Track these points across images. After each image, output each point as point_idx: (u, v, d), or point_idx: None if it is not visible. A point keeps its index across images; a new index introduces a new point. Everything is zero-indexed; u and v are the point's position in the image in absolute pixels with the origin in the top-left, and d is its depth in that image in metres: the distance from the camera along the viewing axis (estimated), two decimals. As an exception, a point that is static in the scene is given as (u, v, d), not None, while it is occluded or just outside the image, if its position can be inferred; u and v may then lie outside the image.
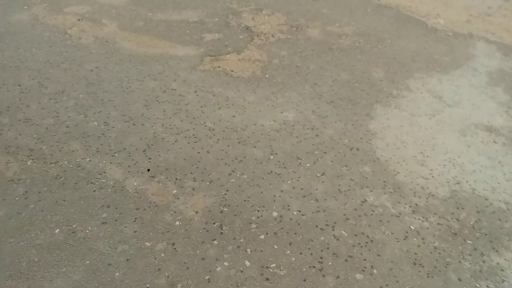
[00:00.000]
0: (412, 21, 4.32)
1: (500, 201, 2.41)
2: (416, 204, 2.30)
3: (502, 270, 2.04)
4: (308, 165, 2.48)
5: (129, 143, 2.55)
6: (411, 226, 2.18)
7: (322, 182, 2.37)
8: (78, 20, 3.86)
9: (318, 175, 2.42)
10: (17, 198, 2.17)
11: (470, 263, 2.05)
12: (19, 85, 2.96)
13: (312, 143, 2.64)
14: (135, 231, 2.04)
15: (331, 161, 2.52)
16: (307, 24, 4.09)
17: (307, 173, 2.42)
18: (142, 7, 4.17)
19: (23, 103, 2.80)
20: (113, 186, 2.27)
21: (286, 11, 4.32)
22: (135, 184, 2.29)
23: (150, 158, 2.45)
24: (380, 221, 2.18)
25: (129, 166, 2.40)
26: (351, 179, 2.41)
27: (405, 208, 2.27)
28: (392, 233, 2.13)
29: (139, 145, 2.54)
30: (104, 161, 2.41)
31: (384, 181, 2.42)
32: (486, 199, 2.41)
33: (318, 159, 2.52)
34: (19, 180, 2.26)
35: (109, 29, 3.76)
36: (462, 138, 2.84)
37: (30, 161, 2.39)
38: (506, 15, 4.62)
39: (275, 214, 2.17)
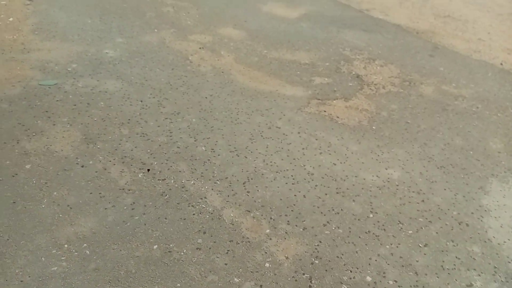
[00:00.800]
0: (540, 92, 3.98)
1: None
2: (532, 302, 2.04)
3: None
4: (410, 232, 2.34)
5: (231, 173, 2.62)
6: (524, 327, 1.93)
7: (424, 254, 2.21)
8: (200, 48, 4.13)
9: (420, 245, 2.26)
10: (125, 207, 2.32)
11: None
12: (141, 101, 3.21)
13: (416, 208, 2.49)
14: (225, 263, 2.06)
15: (436, 233, 2.34)
16: (421, 80, 3.96)
17: (408, 241, 2.28)
18: (258, 44, 4.36)
19: (142, 118, 3.02)
20: (211, 213, 2.33)
21: (400, 64, 4.23)
22: (232, 215, 2.33)
23: (248, 192, 2.50)
24: (488, 312, 1.96)
25: (228, 196, 2.46)
26: (456, 257, 2.21)
27: (519, 304, 2.02)
28: (500, 330, 1.90)
29: (240, 177, 2.60)
30: (206, 187, 2.50)
31: (495, 267, 2.19)
32: None
33: (421, 228, 2.36)
34: (129, 190, 2.43)
35: (226, 60, 3.97)
36: None
37: (141, 174, 2.55)
38: None
39: (369, 279, 2.06)
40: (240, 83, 3.61)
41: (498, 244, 2.32)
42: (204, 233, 2.21)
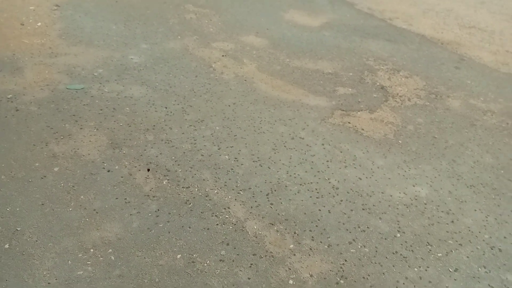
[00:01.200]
0: None
1: None
2: None
3: None
4: (439, 254, 2.27)
5: (254, 184, 2.60)
6: None
7: (455, 280, 2.14)
8: (222, 56, 4.13)
9: (451, 270, 2.19)
10: (149, 214, 2.31)
11: None
12: (166, 108, 3.22)
13: (446, 229, 2.42)
14: (249, 278, 2.03)
15: (467, 257, 2.27)
16: (448, 93, 3.89)
17: (438, 265, 2.21)
18: (281, 52, 4.34)
19: (167, 125, 3.02)
20: (235, 224, 2.31)
21: (425, 75, 4.16)
22: (255, 227, 2.31)
23: (272, 204, 2.47)
24: None
25: (251, 207, 2.43)
26: (489, 285, 2.13)
27: None
28: None
29: (263, 188, 2.57)
30: (229, 196, 2.48)
31: (534, 301, 2.09)
32: None
33: (451, 251, 2.29)
34: (154, 197, 2.42)
35: (248, 68, 3.95)
36: None
37: (166, 180, 2.55)
38: None
39: (397, 302, 2.00)
40: (262, 91, 3.59)
41: (535, 275, 2.23)
42: (228, 244, 2.19)
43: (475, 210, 2.59)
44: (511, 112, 3.68)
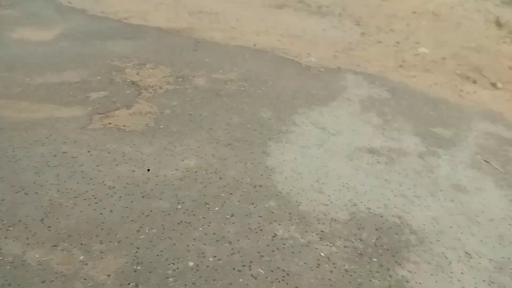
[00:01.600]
0: (288, 62, 4.75)
1: (393, 216, 2.68)
2: (322, 231, 2.48)
3: (407, 281, 2.29)
4: (216, 208, 2.56)
5: (24, 214, 2.39)
6: (321, 253, 2.34)
7: (233, 223, 2.46)
8: None
9: (228, 217, 2.50)
10: None
11: (379, 280, 2.26)
12: None
13: (217, 186, 2.73)
14: (44, 307, 1.90)
15: (238, 201, 2.62)
16: (192, 73, 4.26)
17: (217, 217, 2.49)
18: (17, 73, 3.97)
19: None
20: (12, 262, 2.11)
21: (169, 63, 4.45)
22: (37, 256, 2.15)
23: (49, 227, 2.33)
24: (292, 253, 2.31)
25: (27, 238, 2.25)
26: (259, 216, 2.53)
27: (312, 236, 2.44)
28: (305, 263, 2.26)
29: (36, 215, 2.40)
30: (-3, 238, 2.23)
31: (290, 213, 2.58)
32: (381, 216, 2.67)
33: (225, 201, 2.61)
34: None
35: (-18, 98, 3.51)
36: (349, 162, 3.14)
37: None
38: (365, 48, 5.31)
39: (191, 264, 2.19)
40: (7, 118, 3.26)
41: (287, 193, 2.75)
42: (10, 285, 1.99)
43: (236, 162, 3.00)
44: (245, 77, 4.31)
